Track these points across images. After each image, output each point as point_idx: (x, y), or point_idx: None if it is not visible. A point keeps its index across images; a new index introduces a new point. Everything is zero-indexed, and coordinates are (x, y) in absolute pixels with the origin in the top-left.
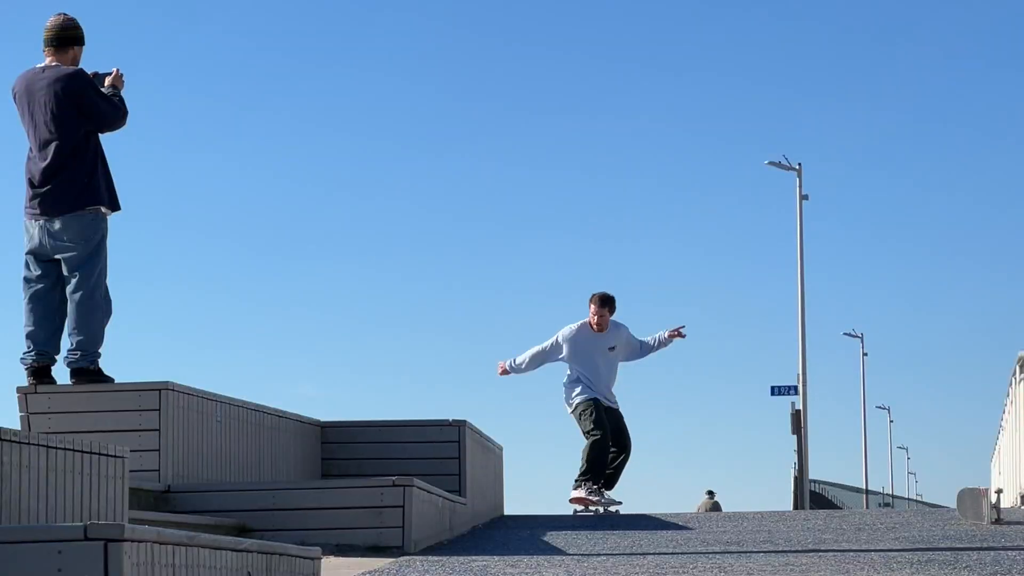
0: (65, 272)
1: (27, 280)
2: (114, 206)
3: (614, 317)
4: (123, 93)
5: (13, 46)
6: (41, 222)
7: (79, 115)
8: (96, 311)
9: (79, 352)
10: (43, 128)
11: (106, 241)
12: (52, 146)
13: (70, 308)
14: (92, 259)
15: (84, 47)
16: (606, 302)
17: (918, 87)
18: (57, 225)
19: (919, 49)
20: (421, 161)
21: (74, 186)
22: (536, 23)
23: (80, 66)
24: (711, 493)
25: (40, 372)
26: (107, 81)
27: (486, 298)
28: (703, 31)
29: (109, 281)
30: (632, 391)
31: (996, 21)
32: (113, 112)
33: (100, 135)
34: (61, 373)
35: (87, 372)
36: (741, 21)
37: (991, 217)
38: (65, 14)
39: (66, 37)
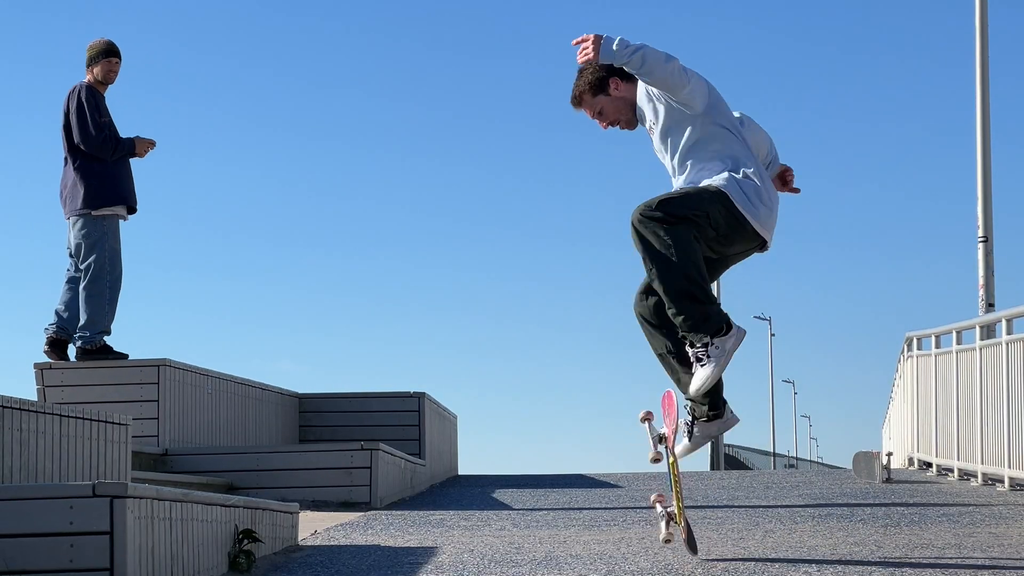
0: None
1: (67, 269)
2: (111, 203)
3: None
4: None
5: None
6: (68, 222)
7: (68, 124)
8: (95, 298)
9: (80, 334)
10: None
11: (110, 239)
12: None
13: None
14: (90, 256)
15: (106, 63)
16: (579, 96)
17: (833, 81)
18: (69, 225)
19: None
20: (395, 155)
21: (75, 190)
22: (535, 27)
23: (92, 81)
24: None
25: (56, 344)
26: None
27: (481, 288)
28: (701, 31)
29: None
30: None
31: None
32: (83, 133)
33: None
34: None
35: (89, 351)
36: (741, 21)
37: (888, 213)
38: (100, 39)
39: (87, 58)
